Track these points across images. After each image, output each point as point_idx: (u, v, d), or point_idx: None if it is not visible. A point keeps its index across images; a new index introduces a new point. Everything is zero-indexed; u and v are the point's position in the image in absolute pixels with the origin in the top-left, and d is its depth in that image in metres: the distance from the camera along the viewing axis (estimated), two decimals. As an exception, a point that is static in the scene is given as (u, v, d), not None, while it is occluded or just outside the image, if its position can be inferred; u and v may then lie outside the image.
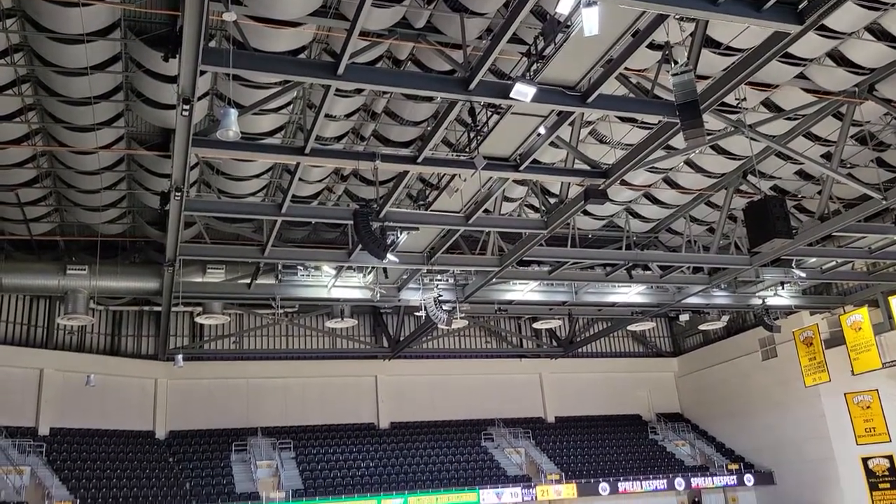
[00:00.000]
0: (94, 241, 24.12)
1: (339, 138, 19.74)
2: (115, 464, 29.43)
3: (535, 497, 32.35)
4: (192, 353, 31.95)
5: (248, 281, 24.65)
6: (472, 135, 15.77)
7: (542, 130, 16.09)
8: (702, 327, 35.13)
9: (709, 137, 17.57)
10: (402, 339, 33.66)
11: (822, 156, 21.64)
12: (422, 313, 25.51)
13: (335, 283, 25.42)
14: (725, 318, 34.22)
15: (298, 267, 25.14)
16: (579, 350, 38.28)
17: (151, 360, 32.05)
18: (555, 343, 38.39)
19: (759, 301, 30.67)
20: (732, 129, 18.51)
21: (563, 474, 33.32)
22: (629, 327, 35.24)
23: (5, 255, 24.31)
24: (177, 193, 16.79)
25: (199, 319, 28.45)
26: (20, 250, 25.56)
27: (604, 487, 32.93)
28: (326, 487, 30.62)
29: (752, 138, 18.42)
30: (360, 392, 35.61)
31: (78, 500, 25.80)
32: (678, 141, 16.91)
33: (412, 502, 30.61)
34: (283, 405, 33.91)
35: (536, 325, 34.54)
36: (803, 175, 23.81)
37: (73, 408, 29.56)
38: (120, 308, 31.34)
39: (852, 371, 31.26)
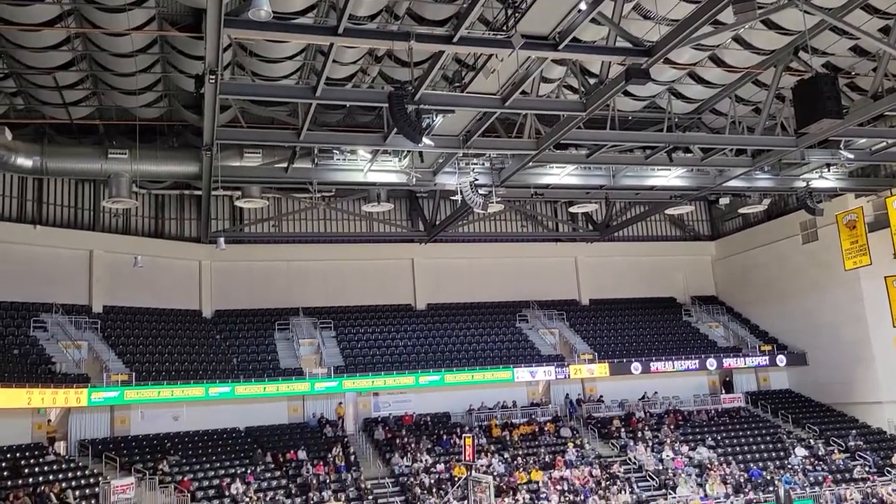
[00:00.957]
0: (132, 125, 24.29)
1: (372, 17, 19.15)
2: (165, 340, 30.95)
3: (568, 375, 33.35)
4: (234, 236, 32.65)
5: (284, 165, 24.76)
6: (509, 12, 15.17)
7: (582, 6, 15.39)
8: (742, 211, 34.65)
9: (760, 11, 16.67)
10: (438, 222, 33.89)
11: (879, 30, 20.47)
12: (458, 197, 25.52)
13: (371, 166, 25.42)
14: (767, 201, 33.61)
15: (334, 151, 25.11)
16: (615, 234, 38.20)
17: (195, 243, 32.93)
18: (591, 227, 38.33)
19: (803, 184, 30.00)
20: (785, 1, 17.49)
21: (596, 354, 34.15)
22: (667, 211, 34.93)
23: (48, 140, 24.66)
24: (211, 76, 16.64)
25: (238, 203, 28.87)
26: (62, 134, 25.88)
27: (636, 367, 33.75)
28: (366, 364, 31.92)
29: (806, 11, 17.43)
30: (397, 274, 36.37)
31: (133, 373, 27.37)
32: (727, 15, 16.09)
33: (448, 379, 31.82)
34: (323, 286, 34.85)
35: (573, 209, 34.39)
36: (858, 51, 22.61)
37: (123, 287, 30.78)
38: (162, 192, 31.94)
39: (894, 254, 30.87)
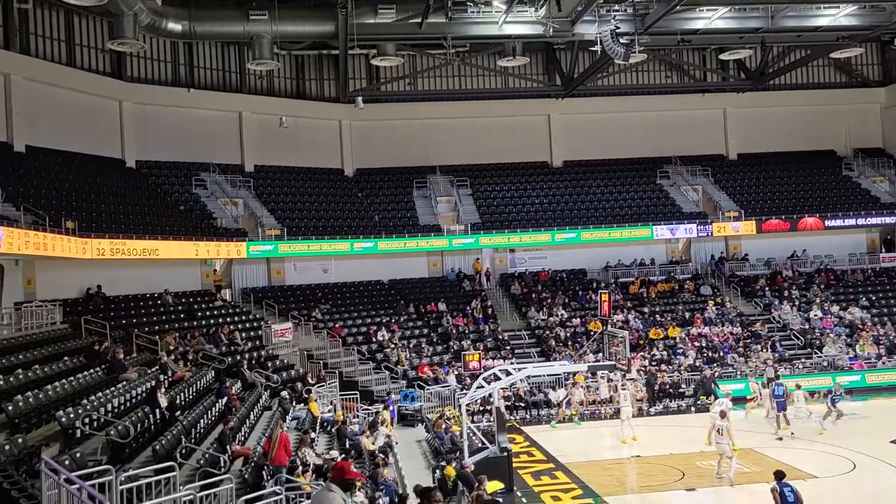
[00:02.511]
0: (269, -16, 24.49)
1: None
2: (311, 197, 32.58)
3: (711, 233, 32.31)
4: (371, 94, 33.00)
5: (418, 20, 24.35)
6: None
7: None
8: (922, 52, 30.82)
9: None
10: (575, 76, 32.57)
11: None
12: (597, 48, 24.29)
13: (506, 18, 24.48)
14: (954, 39, 29.66)
15: (468, 2, 24.32)
16: (770, 82, 35.22)
17: (334, 103, 33.64)
18: (743, 75, 35.49)
19: None
20: None
21: (741, 211, 32.68)
22: (832, 55, 31.63)
23: (194, 4, 25.41)
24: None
25: (374, 61, 28.97)
26: (205, -2, 26.54)
27: (785, 224, 32.05)
28: (502, 222, 32.29)
29: None
30: (532, 131, 35.74)
31: (284, 229, 29.23)
32: None
33: (585, 236, 31.73)
34: (459, 144, 34.91)
35: (723, 57, 31.93)
36: None
37: (271, 147, 32.26)
38: (301, 52, 32.49)
39: None
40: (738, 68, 35.56)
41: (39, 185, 23.31)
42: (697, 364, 26.16)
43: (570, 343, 27.80)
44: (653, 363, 26.23)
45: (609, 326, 26.49)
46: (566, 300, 30.87)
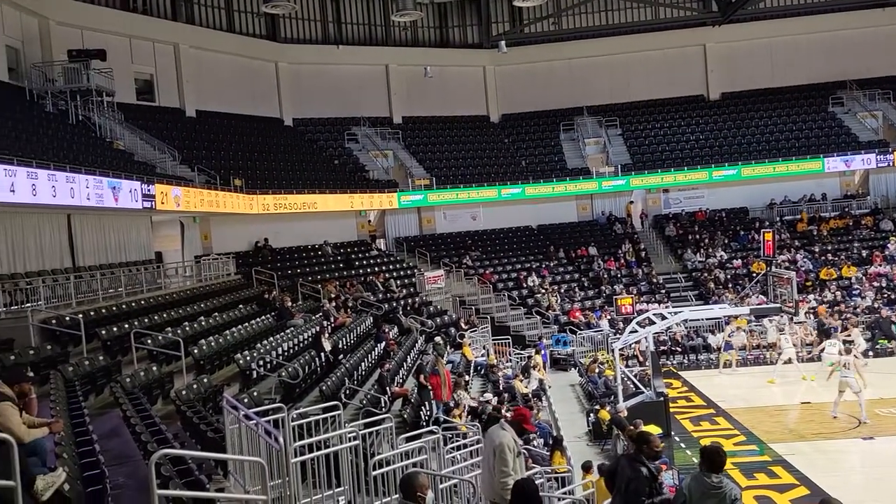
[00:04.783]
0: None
1: None
2: (458, 146, 32.82)
3: (893, 163, 29.38)
4: (514, 37, 32.41)
5: (560, -46, 23.48)
6: None
7: None
8: None
9: None
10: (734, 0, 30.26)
11: None
12: (758, -35, 22.34)
13: (655, -58, 23.06)
14: None
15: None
16: (967, -12, 31.01)
17: (478, 49, 33.40)
18: (932, -17, 31.48)
19: None
20: None
21: (930, 137, 29.37)
22: None
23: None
24: None
25: (517, 3, 28.37)
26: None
27: (984, 150, 28.53)
28: (655, 161, 31.00)
29: None
30: (686, 63, 33.74)
31: (433, 178, 29.69)
32: None
33: (745, 173, 29.91)
34: (607, 83, 33.66)
35: (908, -37, 28.37)
36: None
37: (417, 97, 32.72)
38: (443, 0, 32.39)
39: None
40: (927, -25, 31.50)
41: (209, 147, 25.10)
42: (876, 306, 24.14)
43: (730, 285, 26.51)
44: (824, 305, 24.50)
45: (774, 267, 25.00)
46: (726, 241, 29.36)
